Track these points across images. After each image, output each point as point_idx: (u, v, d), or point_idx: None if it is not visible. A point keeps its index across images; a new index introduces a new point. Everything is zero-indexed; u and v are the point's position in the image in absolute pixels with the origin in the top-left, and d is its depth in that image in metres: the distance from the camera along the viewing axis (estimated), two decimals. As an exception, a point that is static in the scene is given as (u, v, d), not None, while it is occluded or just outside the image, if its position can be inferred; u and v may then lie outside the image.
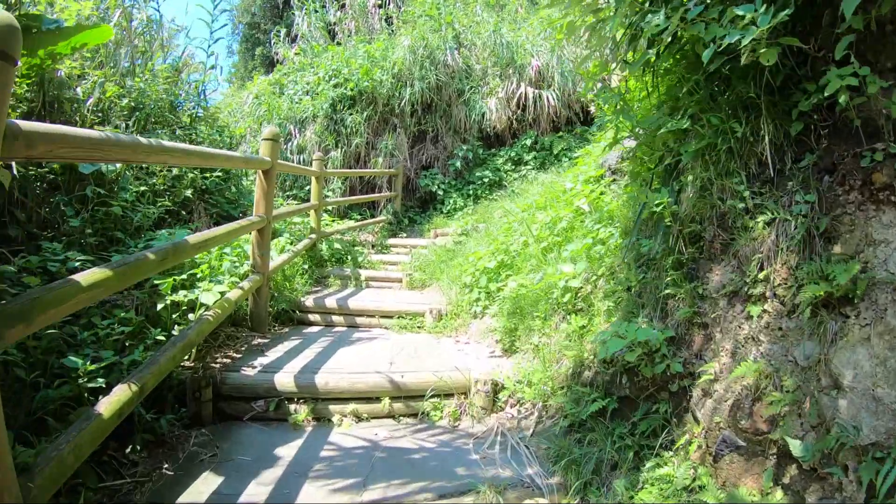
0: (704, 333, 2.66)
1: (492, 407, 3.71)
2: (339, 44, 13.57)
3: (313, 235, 7.63)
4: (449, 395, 3.77)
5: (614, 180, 4.93)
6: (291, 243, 7.15)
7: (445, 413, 3.68)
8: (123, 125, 6.42)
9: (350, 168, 10.76)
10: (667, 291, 2.82)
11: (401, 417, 3.69)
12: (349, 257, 8.14)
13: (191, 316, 3.77)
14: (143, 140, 2.59)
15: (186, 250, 3.00)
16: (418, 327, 5.58)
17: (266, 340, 4.74)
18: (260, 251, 4.77)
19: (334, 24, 15.17)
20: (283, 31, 15.81)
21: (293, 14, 16.14)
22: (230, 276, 4.48)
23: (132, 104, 6.68)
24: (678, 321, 2.76)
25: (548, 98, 11.62)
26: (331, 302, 5.79)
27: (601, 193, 4.73)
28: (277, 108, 11.04)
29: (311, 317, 5.76)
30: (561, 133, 12.33)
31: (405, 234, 10.51)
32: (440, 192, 11.33)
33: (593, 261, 3.85)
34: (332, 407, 3.59)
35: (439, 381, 3.70)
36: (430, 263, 7.53)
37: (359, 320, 5.75)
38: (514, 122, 12.04)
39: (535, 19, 13.27)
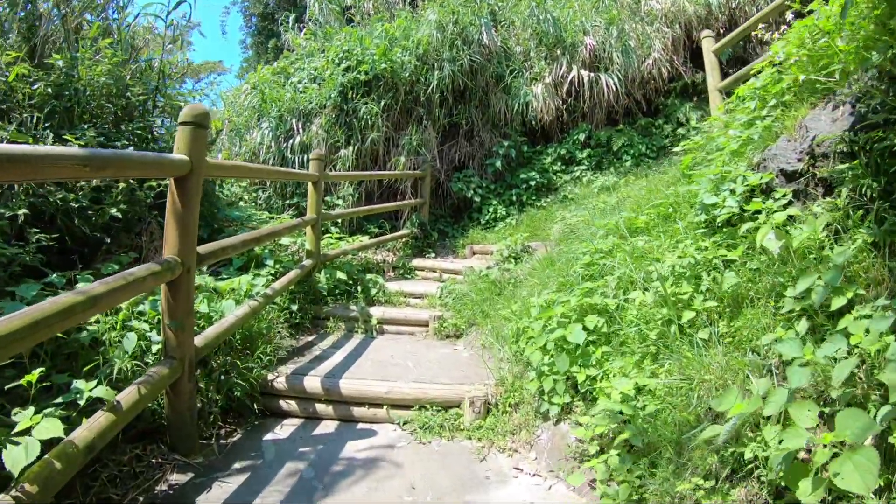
0: None
1: None
2: (349, 20, 11.52)
3: (308, 261, 5.61)
4: None
5: (798, 195, 2.75)
6: (274, 276, 5.14)
7: None
8: (33, 118, 4.52)
9: (364, 170, 8.70)
10: None
11: None
12: (358, 287, 6.09)
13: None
14: None
15: None
16: (452, 427, 3.49)
17: (185, 478, 2.71)
18: (173, 320, 2.73)
19: (351, 6, 13.16)
20: (293, 16, 13.84)
21: (308, -1, 14.20)
22: (98, 383, 2.44)
23: (51, 90, 4.79)
24: None
25: (606, 82, 9.40)
26: (313, 383, 3.71)
27: (786, 219, 2.56)
28: (277, 98, 9.03)
29: (284, 404, 3.71)
30: (620, 126, 10.11)
31: (433, 253, 8.38)
32: (476, 199, 9.18)
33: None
34: None
35: None
36: (467, 302, 5.42)
37: (356, 412, 3.66)
38: (563, 112, 9.85)
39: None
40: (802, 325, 2.06)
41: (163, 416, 2.94)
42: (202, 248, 2.98)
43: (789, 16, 4.10)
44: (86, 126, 4.78)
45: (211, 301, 3.85)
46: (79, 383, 2.36)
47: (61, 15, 5.44)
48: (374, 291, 6.03)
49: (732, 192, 2.94)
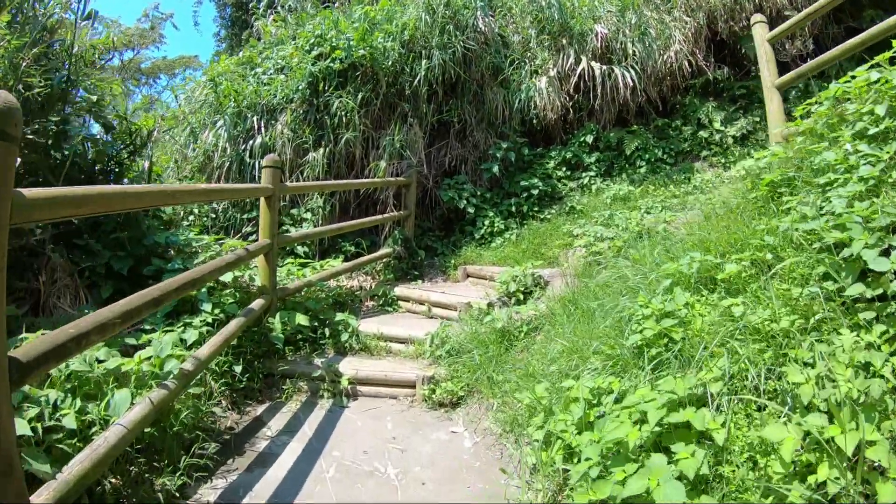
0: None
1: None
2: (324, 0, 10.17)
3: (258, 302, 4.32)
4: None
5: None
6: (212, 326, 3.85)
7: None
8: None
9: (339, 176, 7.36)
10: None
11: None
12: (326, 331, 4.80)
13: None
14: None
15: None
16: None
17: None
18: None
19: (330, -10, 11.81)
20: (265, 1, 12.44)
21: (284, -16, 12.80)
22: None
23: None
24: None
25: (622, 77, 8.15)
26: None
27: None
28: (236, 91, 7.66)
29: (202, 550, 2.44)
30: (633, 126, 8.86)
31: (420, 276, 7.05)
32: (470, 209, 7.84)
33: None
34: None
35: None
36: (467, 362, 4.14)
37: (309, 569, 2.40)
38: (569, 110, 8.59)
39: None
40: None
41: None
42: (26, 353, 1.66)
43: None
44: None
45: (99, 394, 2.55)
46: None
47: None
48: (345, 337, 4.73)
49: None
